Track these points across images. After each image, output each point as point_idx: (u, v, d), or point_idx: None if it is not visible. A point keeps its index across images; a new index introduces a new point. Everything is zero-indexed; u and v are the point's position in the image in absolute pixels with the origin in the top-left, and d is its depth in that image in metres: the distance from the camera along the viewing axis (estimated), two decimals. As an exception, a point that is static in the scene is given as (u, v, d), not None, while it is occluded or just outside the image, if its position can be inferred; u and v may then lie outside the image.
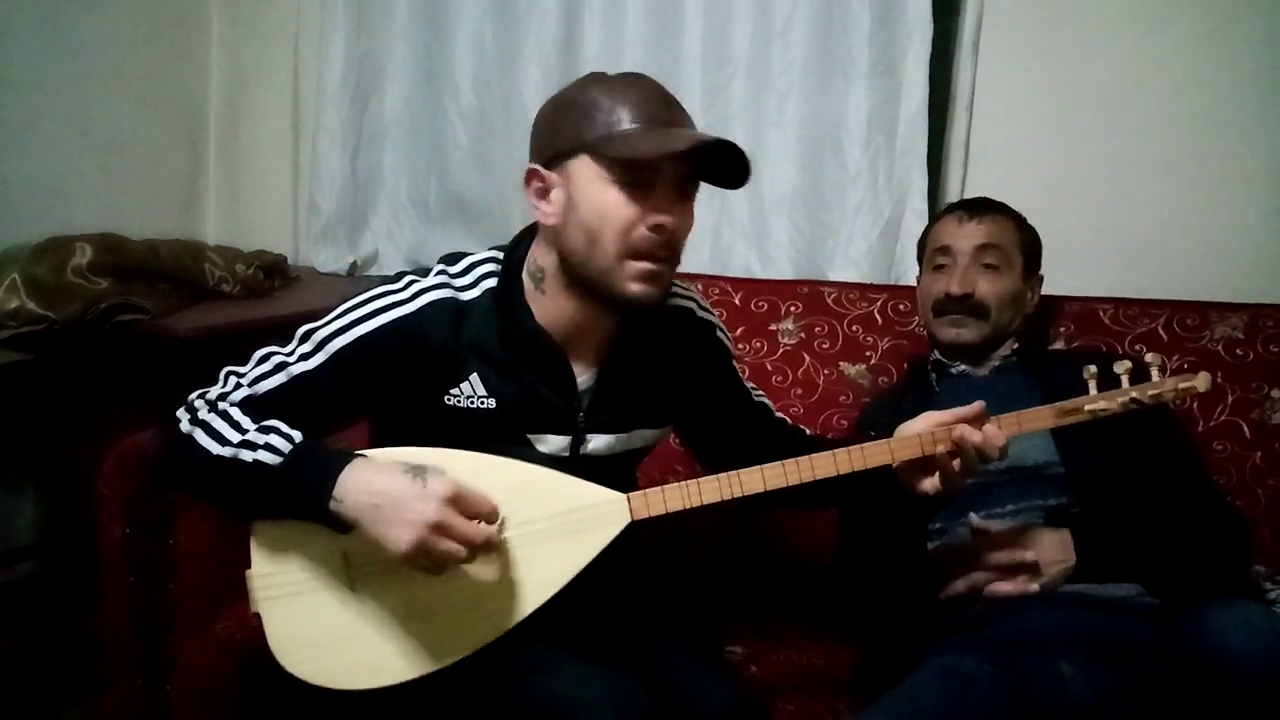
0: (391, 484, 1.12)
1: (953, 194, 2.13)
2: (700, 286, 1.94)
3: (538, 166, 1.23)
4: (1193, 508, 1.46)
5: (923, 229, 1.80)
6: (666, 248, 1.20)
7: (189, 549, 1.49)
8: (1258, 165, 1.99)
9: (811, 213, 2.17)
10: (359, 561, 1.18)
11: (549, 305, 1.26)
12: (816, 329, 1.91)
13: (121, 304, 1.91)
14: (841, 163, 2.14)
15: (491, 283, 1.27)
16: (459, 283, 1.27)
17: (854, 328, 1.90)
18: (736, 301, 1.94)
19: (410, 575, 1.16)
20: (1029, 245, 1.64)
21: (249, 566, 1.20)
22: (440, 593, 1.17)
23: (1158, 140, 2.03)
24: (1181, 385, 1.30)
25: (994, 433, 1.26)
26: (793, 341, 1.91)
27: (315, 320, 1.26)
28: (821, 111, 2.14)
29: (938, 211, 1.91)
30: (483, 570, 1.17)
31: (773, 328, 1.92)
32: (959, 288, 1.58)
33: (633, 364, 1.31)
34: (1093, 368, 1.30)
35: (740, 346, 1.90)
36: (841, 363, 1.88)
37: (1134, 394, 1.29)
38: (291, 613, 1.19)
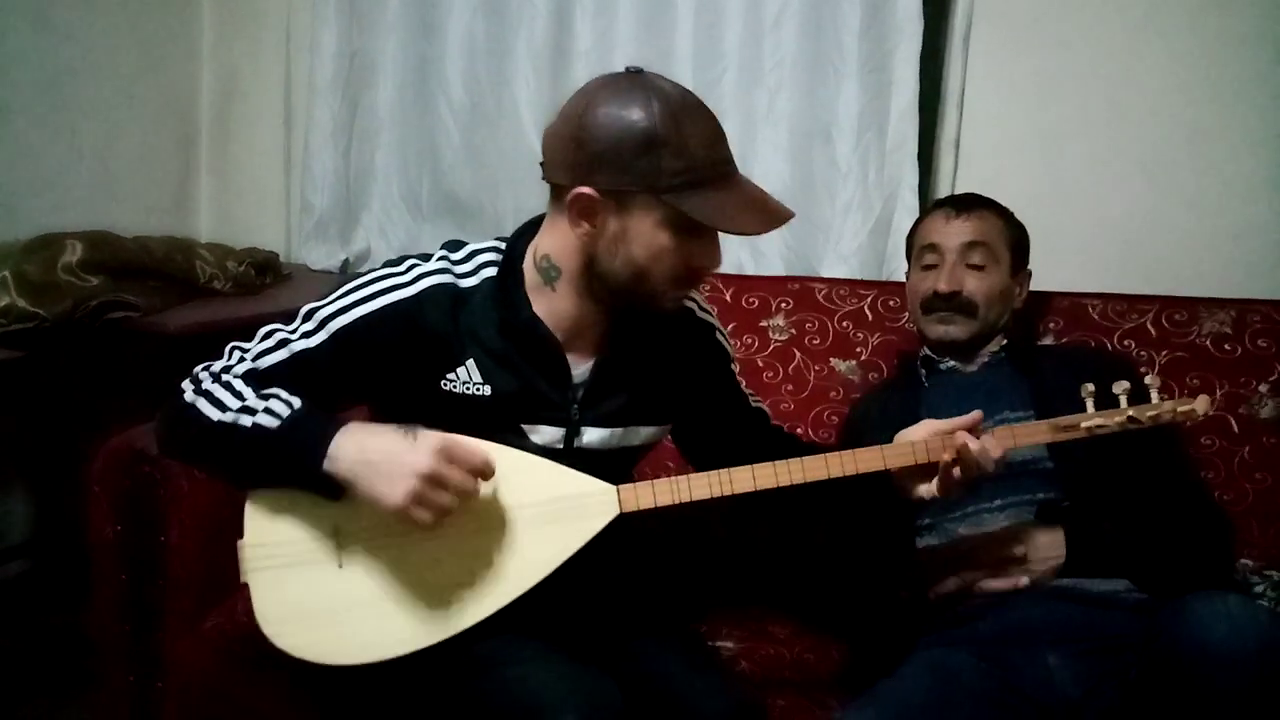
0: (384, 442, 1.13)
1: (943, 191, 2.13)
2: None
3: (592, 192, 1.17)
4: (1179, 506, 1.47)
5: (912, 225, 1.80)
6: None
7: (180, 546, 1.48)
8: (1246, 161, 2.00)
9: (802, 209, 2.16)
10: (348, 537, 1.19)
11: (554, 301, 1.26)
12: (807, 325, 1.91)
13: (112, 301, 1.91)
14: (832, 159, 2.15)
15: (491, 272, 1.28)
16: (459, 269, 1.28)
17: (844, 324, 1.91)
18: (728, 298, 1.94)
19: (398, 554, 1.17)
20: (1016, 241, 1.64)
21: (241, 537, 1.21)
22: (426, 573, 1.18)
23: (1147, 136, 2.04)
24: (1181, 409, 1.30)
25: (991, 444, 1.26)
26: (783, 338, 1.91)
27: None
28: (812, 108, 2.14)
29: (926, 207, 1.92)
30: (468, 550, 1.18)
31: (763, 324, 1.92)
32: (946, 286, 1.58)
33: (629, 359, 1.31)
34: (1090, 386, 1.30)
35: (731, 342, 1.91)
36: (832, 359, 1.89)
37: (1131, 413, 1.28)
38: (279, 584, 1.19)
